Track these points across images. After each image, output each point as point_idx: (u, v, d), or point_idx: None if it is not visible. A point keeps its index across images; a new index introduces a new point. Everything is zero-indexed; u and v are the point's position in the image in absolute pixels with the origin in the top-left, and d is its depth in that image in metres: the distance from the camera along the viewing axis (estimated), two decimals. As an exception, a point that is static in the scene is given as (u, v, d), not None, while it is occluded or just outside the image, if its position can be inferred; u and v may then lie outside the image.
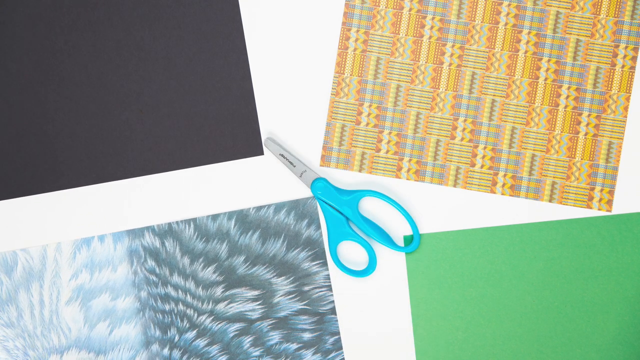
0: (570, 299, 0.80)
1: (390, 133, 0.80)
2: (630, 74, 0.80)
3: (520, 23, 0.80)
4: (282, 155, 0.77)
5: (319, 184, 0.77)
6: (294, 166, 0.77)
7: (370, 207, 0.81)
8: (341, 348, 0.81)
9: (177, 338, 0.81)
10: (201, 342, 0.81)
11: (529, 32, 0.80)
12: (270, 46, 0.80)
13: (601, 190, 0.80)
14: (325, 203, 0.78)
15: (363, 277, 0.79)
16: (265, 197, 0.81)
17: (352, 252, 0.81)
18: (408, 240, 0.80)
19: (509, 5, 0.80)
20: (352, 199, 0.78)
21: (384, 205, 0.80)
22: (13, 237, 0.81)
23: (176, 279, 0.81)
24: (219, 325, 0.81)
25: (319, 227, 0.80)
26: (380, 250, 0.80)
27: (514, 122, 0.80)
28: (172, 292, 0.81)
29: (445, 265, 0.80)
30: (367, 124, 0.80)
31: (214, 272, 0.81)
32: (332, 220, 0.78)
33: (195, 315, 0.81)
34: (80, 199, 0.81)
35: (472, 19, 0.80)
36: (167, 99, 0.80)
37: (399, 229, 0.81)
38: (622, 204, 0.80)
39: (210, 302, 0.81)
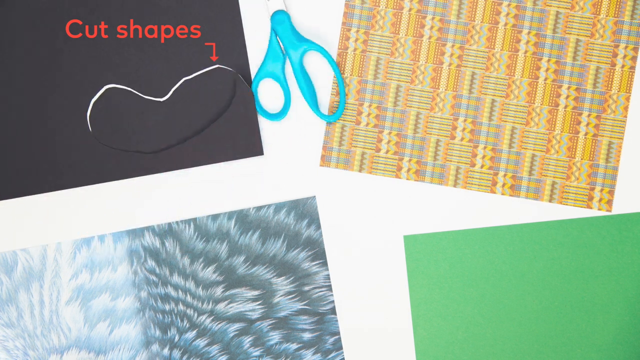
0: (570, 299, 0.80)
1: (390, 133, 0.80)
2: (630, 74, 0.80)
3: (520, 23, 0.80)
4: None
5: (279, 17, 0.77)
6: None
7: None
8: (341, 348, 0.81)
9: (177, 338, 0.81)
10: (201, 342, 0.81)
11: (529, 32, 0.80)
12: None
13: (601, 190, 0.80)
14: (276, 36, 0.77)
15: (273, 120, 0.79)
16: (265, 197, 0.81)
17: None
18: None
19: (509, 5, 0.80)
20: (301, 47, 0.78)
21: (325, 65, 0.80)
22: (13, 237, 0.81)
23: (176, 279, 0.81)
24: (219, 325, 0.81)
25: (319, 227, 0.80)
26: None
27: (514, 122, 0.80)
28: (172, 292, 0.81)
29: (445, 265, 0.80)
30: (367, 124, 0.80)
31: (214, 272, 0.81)
32: (273, 53, 0.78)
33: (195, 315, 0.81)
34: (80, 199, 0.81)
35: (472, 19, 0.80)
36: (167, 98, 0.80)
37: (398, 229, 0.80)
38: (622, 204, 0.80)
39: (210, 302, 0.81)
